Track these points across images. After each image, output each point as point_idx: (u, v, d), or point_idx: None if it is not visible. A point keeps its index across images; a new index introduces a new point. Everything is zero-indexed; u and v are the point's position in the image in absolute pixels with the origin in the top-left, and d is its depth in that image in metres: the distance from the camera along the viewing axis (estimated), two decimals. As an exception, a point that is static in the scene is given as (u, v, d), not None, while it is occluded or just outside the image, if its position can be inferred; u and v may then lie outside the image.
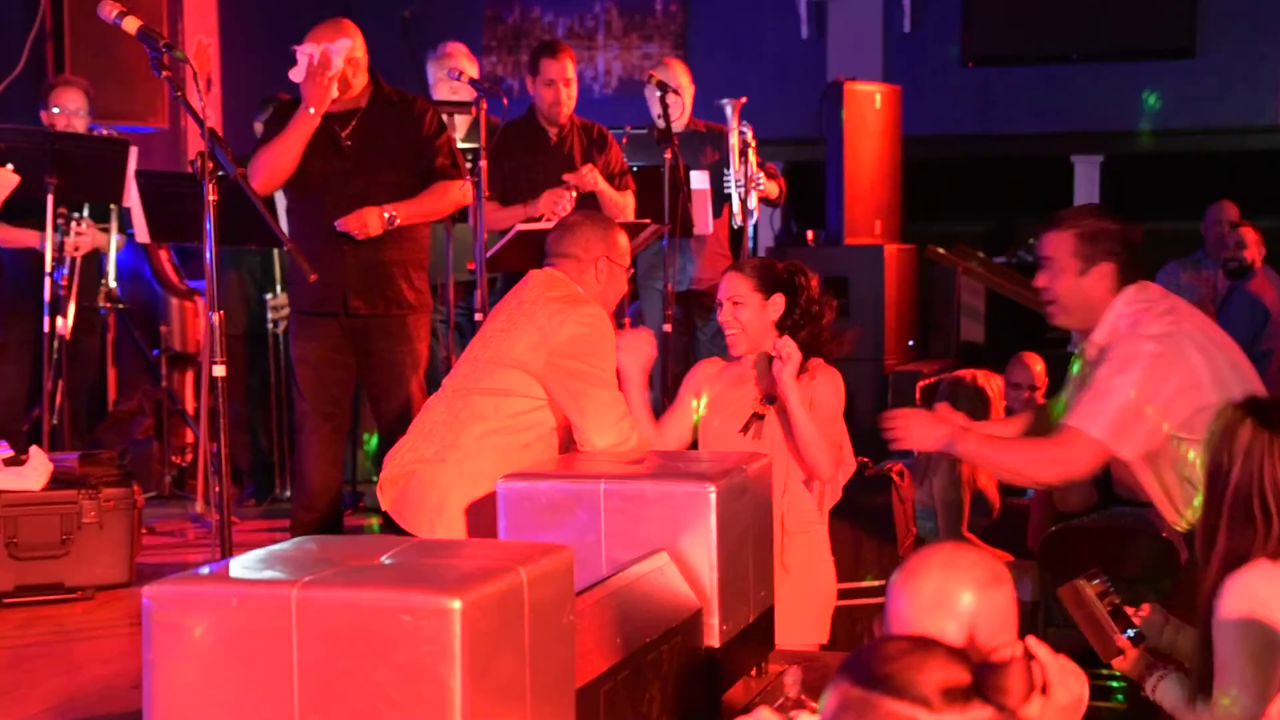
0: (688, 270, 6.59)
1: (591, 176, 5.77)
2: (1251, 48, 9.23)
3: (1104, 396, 3.59)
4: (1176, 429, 3.59)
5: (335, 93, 5.01)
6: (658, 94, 5.96)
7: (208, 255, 3.76)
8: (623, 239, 4.05)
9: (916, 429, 3.75)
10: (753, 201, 6.40)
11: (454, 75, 5.64)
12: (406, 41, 9.73)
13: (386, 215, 5.10)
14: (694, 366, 4.29)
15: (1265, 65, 9.21)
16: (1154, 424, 3.58)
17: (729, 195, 6.53)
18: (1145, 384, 3.57)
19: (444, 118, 5.43)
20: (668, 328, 5.97)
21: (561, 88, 5.90)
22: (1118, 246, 3.74)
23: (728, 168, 6.51)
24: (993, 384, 5.52)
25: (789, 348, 3.87)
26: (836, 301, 4.20)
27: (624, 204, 5.89)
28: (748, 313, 4.01)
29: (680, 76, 6.66)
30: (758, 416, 3.96)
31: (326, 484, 5.22)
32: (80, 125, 6.17)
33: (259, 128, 6.27)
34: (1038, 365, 6.45)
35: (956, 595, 2.01)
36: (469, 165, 5.55)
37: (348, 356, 5.22)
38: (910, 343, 8.11)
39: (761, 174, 6.44)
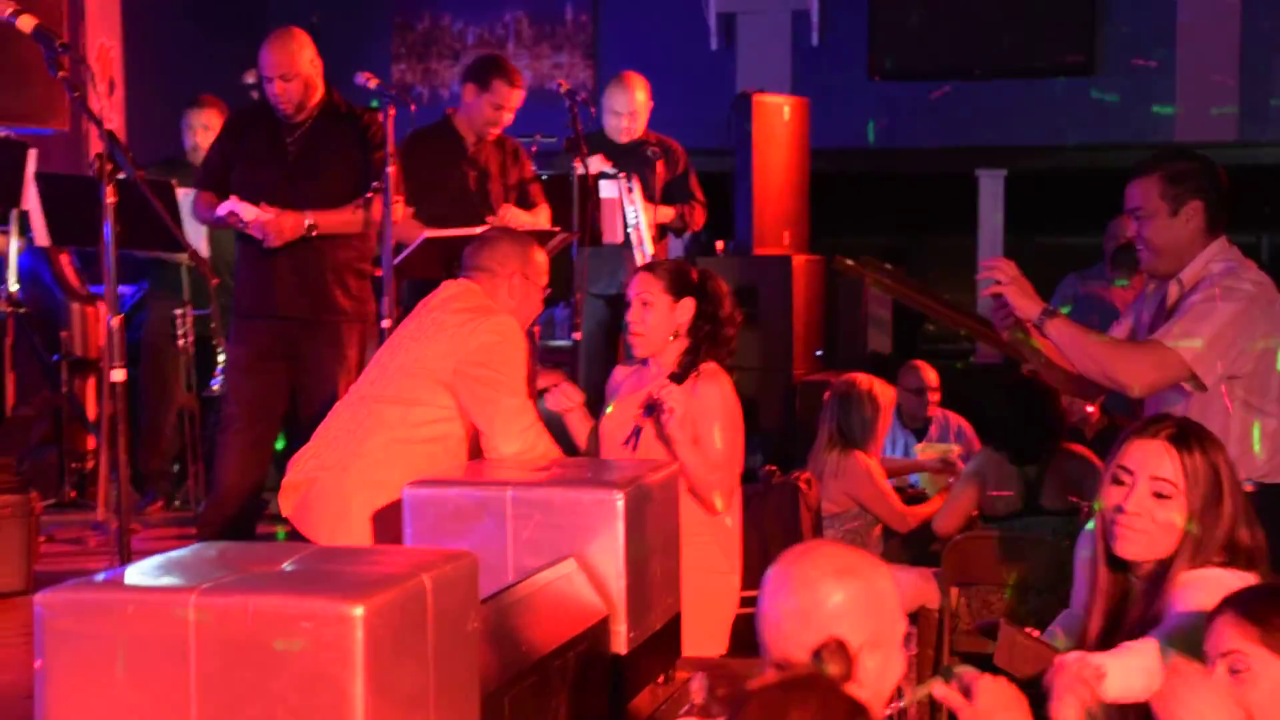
0: (618, 275, 6.58)
1: (511, 215, 5.75)
2: (1149, 66, 9.41)
3: (1202, 320, 3.62)
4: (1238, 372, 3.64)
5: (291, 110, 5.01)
6: (566, 104, 5.96)
7: (106, 259, 3.70)
8: (540, 257, 4.05)
9: (1019, 290, 3.72)
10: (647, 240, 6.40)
11: (361, 81, 5.59)
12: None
13: (307, 223, 5.07)
14: (612, 372, 4.29)
15: (1163, 82, 9.38)
16: (1234, 359, 3.64)
17: (673, 228, 6.62)
18: (1241, 318, 3.63)
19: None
20: (576, 335, 5.97)
21: (505, 114, 5.89)
22: (1204, 183, 3.78)
23: (685, 181, 6.58)
24: (886, 393, 5.57)
25: (674, 398, 3.82)
26: (743, 315, 4.21)
27: (540, 223, 5.90)
28: (655, 315, 4.00)
29: (638, 92, 6.65)
30: (637, 430, 3.95)
31: (240, 487, 5.14)
32: None
33: (196, 138, 6.19)
34: (931, 372, 6.54)
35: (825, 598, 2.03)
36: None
37: (278, 361, 5.16)
38: (818, 352, 8.16)
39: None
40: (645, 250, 6.28)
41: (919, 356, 7.27)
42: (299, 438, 5.13)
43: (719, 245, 8.30)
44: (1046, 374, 4.04)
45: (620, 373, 4.22)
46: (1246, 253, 3.87)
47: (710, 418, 3.97)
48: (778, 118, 8.18)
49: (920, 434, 6.51)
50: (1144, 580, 2.83)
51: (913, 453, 6.26)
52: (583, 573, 2.93)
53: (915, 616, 5.03)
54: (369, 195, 5.21)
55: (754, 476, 6.34)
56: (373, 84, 5.43)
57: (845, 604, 2.03)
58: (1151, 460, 2.78)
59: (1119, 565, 2.85)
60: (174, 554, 2.24)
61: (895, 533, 5.56)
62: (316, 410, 5.09)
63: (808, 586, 2.04)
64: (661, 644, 3.19)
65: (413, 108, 6.39)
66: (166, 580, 2.04)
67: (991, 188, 9.97)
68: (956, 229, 10.21)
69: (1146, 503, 2.77)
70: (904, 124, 9.76)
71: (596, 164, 6.33)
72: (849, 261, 8.98)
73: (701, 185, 7.04)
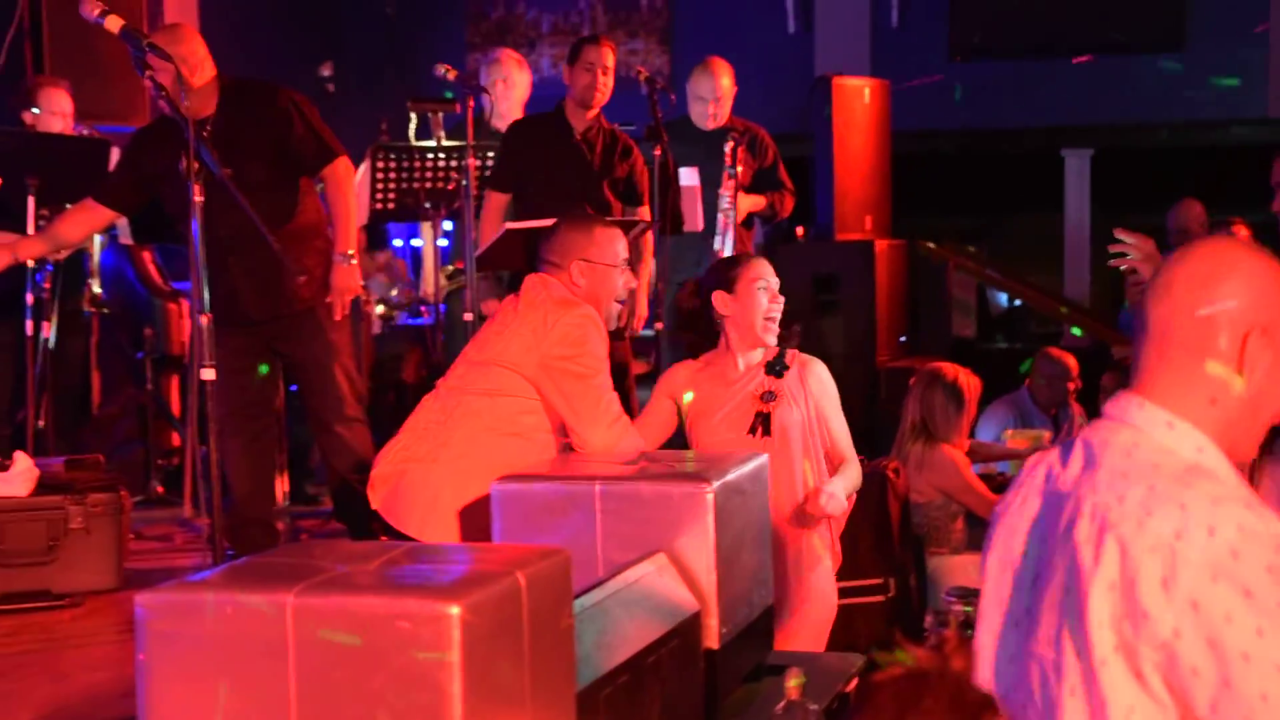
0: (701, 264, 6.55)
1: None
2: (1239, 40, 9.22)
3: None
4: None
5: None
6: (644, 90, 5.92)
7: (194, 256, 3.71)
8: (604, 236, 3.99)
9: (1154, 267, 3.65)
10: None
11: (439, 73, 5.58)
12: (389, 38, 9.70)
13: (345, 256, 5.04)
14: (667, 371, 4.27)
15: (1253, 57, 9.20)
16: None
17: (770, 201, 6.58)
18: None
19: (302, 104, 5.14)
20: (659, 325, 5.93)
21: (599, 74, 5.86)
22: None
23: (774, 169, 6.55)
24: (971, 383, 5.49)
25: (834, 505, 3.94)
26: (824, 301, 4.26)
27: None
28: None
29: (723, 78, 6.61)
30: (762, 416, 3.96)
31: (250, 486, 5.13)
32: (65, 126, 6.10)
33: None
34: (1069, 358, 6.47)
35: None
36: (453, 163, 5.50)
37: (261, 359, 5.13)
38: (901, 338, 8.08)
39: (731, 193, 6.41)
40: (728, 239, 6.24)
41: (1002, 340, 7.18)
42: (319, 427, 5.19)
43: (799, 231, 8.24)
44: None
45: (683, 370, 4.19)
46: None
47: (833, 399, 4.10)
48: (858, 101, 8.10)
49: (1056, 422, 6.45)
50: None
51: (1004, 439, 6.18)
52: (673, 567, 2.90)
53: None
54: (327, 171, 5.08)
55: (839, 465, 6.29)
56: (451, 76, 5.41)
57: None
58: None
59: None
60: (268, 553, 2.24)
61: (980, 521, 5.49)
62: (322, 399, 5.10)
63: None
64: (753, 637, 3.16)
65: (488, 97, 6.39)
66: (264, 580, 2.03)
67: (1077, 167, 9.82)
68: (1041, 209, 10.09)
69: None
70: (986, 104, 9.64)
71: (688, 176, 6.29)
72: (933, 245, 8.90)
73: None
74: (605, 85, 5.87)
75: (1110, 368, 5.71)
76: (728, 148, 6.28)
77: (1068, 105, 9.55)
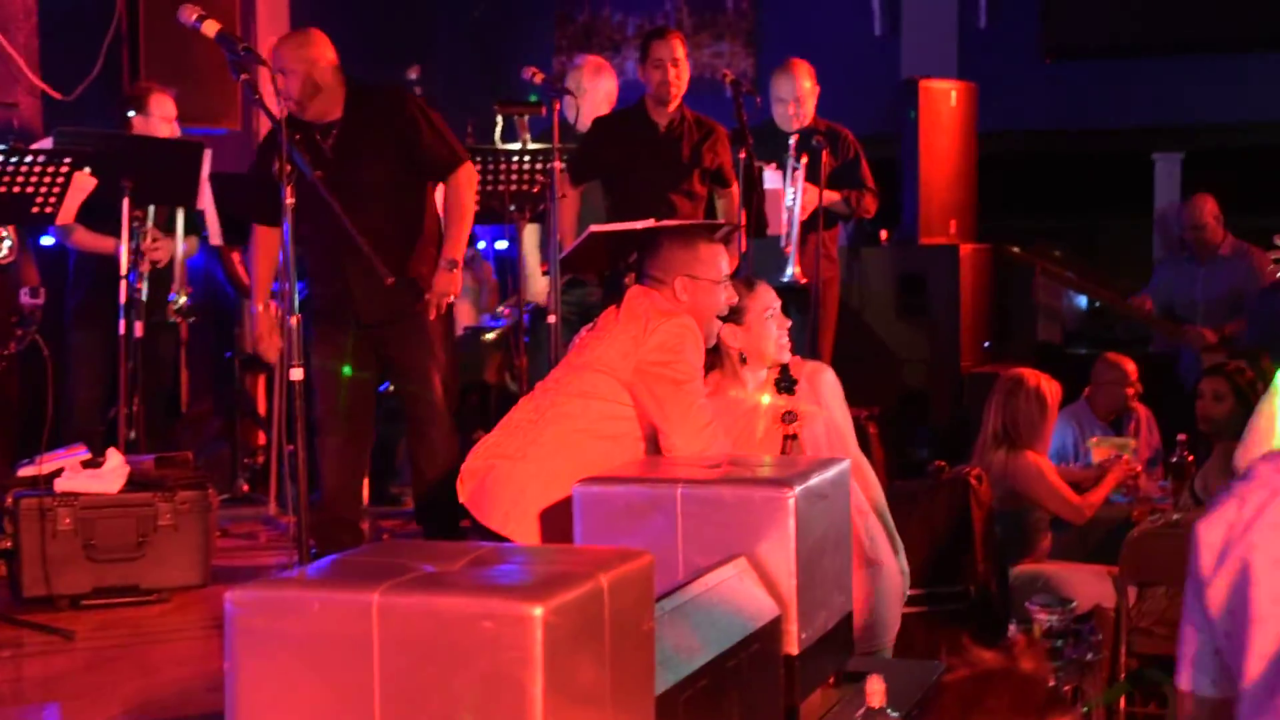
0: (785, 267, 6.55)
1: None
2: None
3: None
4: None
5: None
6: (729, 93, 5.93)
7: (283, 258, 3.76)
8: (709, 252, 4.01)
9: None
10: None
11: (527, 76, 5.62)
12: (476, 41, 9.77)
13: (451, 262, 5.13)
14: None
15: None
16: None
17: (841, 215, 6.58)
18: None
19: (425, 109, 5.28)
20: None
21: (669, 67, 5.91)
22: None
23: (855, 168, 6.54)
24: (1053, 390, 5.43)
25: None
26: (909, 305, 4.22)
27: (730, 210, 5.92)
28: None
29: (804, 79, 6.60)
30: (790, 438, 3.95)
31: (340, 486, 5.20)
32: (172, 131, 6.21)
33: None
34: (1129, 364, 6.36)
35: None
36: (539, 166, 5.53)
37: (364, 362, 5.21)
38: (986, 344, 8.01)
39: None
40: (792, 237, 6.23)
41: (1090, 346, 7.10)
42: (407, 431, 5.28)
43: (884, 234, 8.19)
44: None
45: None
46: None
47: (844, 403, 4.12)
48: (945, 104, 8.04)
49: (1117, 427, 6.35)
50: None
51: (1088, 447, 6.09)
52: (753, 571, 2.90)
53: (1091, 617, 4.91)
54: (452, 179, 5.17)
55: (920, 470, 6.26)
56: (538, 79, 5.45)
57: None
58: None
59: None
60: (354, 552, 2.27)
61: (1065, 527, 5.43)
62: (420, 403, 5.18)
63: None
64: (833, 643, 3.15)
65: (573, 100, 6.42)
66: (350, 579, 2.06)
67: (1167, 170, 9.68)
68: (1130, 211, 9.95)
69: None
70: (1076, 105, 9.52)
71: (771, 179, 6.29)
72: (1018, 250, 8.81)
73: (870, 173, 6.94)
74: (678, 78, 5.92)
75: (1210, 373, 5.61)
76: (792, 142, 6.28)
77: (1159, 106, 9.41)
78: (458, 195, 5.19)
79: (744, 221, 5.67)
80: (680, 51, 5.96)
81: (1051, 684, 1.64)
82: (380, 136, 5.10)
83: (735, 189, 5.95)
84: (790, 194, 6.28)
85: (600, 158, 5.94)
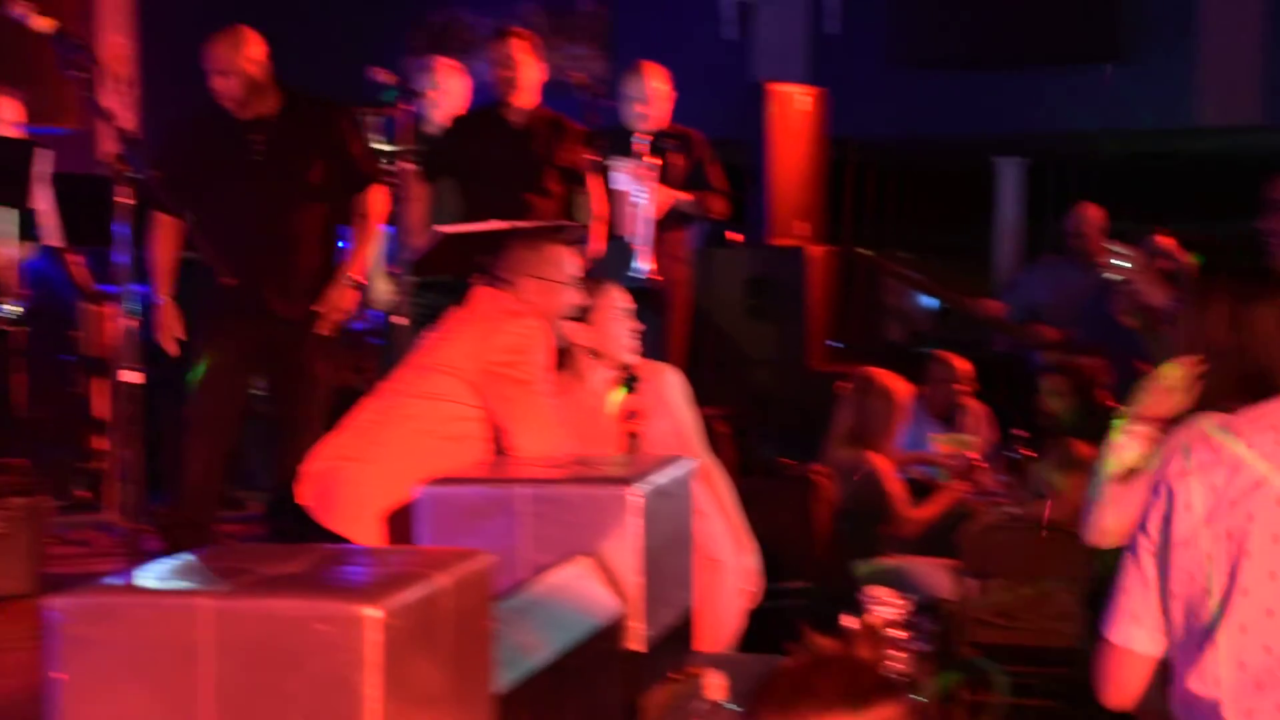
0: (637, 266, 6.57)
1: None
2: (1171, 51, 9.35)
3: None
4: None
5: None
6: (580, 96, 5.96)
7: (118, 259, 3.70)
8: (554, 253, 4.02)
9: (1149, 278, 3.75)
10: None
11: (376, 78, 5.58)
12: (327, 40, 9.65)
13: (354, 280, 5.17)
14: None
15: (1184, 68, 9.32)
16: None
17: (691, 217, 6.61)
18: None
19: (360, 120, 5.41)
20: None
21: (509, 68, 5.93)
22: None
23: (705, 171, 6.57)
24: (903, 390, 5.54)
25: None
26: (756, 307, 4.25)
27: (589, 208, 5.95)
28: None
29: (655, 81, 6.63)
30: (634, 437, 3.97)
31: (196, 490, 5.15)
32: (15, 135, 6.04)
33: None
34: (962, 363, 6.50)
35: None
36: (389, 167, 5.50)
37: (243, 364, 5.18)
38: (834, 344, 8.13)
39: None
40: (643, 236, 6.27)
41: (935, 346, 7.24)
42: (280, 434, 5.19)
43: (734, 236, 8.27)
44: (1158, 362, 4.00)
45: None
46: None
47: (688, 403, 4.13)
48: (794, 108, 8.14)
49: (950, 424, 6.47)
50: None
51: (929, 443, 6.22)
52: (598, 570, 2.92)
53: (931, 609, 5.01)
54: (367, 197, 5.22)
55: (769, 470, 6.33)
56: (386, 80, 5.42)
57: None
58: None
59: None
60: (186, 557, 2.24)
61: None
62: (303, 407, 5.12)
63: None
64: (676, 640, 3.19)
65: (424, 102, 6.40)
66: (180, 584, 2.03)
67: (1010, 175, 9.92)
68: (975, 217, 10.18)
69: None
70: (923, 112, 9.71)
71: (621, 181, 6.31)
72: (864, 251, 8.97)
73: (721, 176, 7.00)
74: (519, 78, 5.94)
75: (1049, 371, 5.76)
76: (641, 143, 6.32)
77: (1002, 114, 9.64)
78: (369, 216, 5.26)
79: (603, 221, 5.71)
80: (518, 51, 5.98)
81: (881, 671, 1.69)
82: (312, 142, 5.16)
83: (594, 187, 5.96)
84: (640, 195, 6.31)
85: (455, 155, 5.94)
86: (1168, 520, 2.12)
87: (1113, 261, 3.76)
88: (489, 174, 5.86)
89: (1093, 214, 7.70)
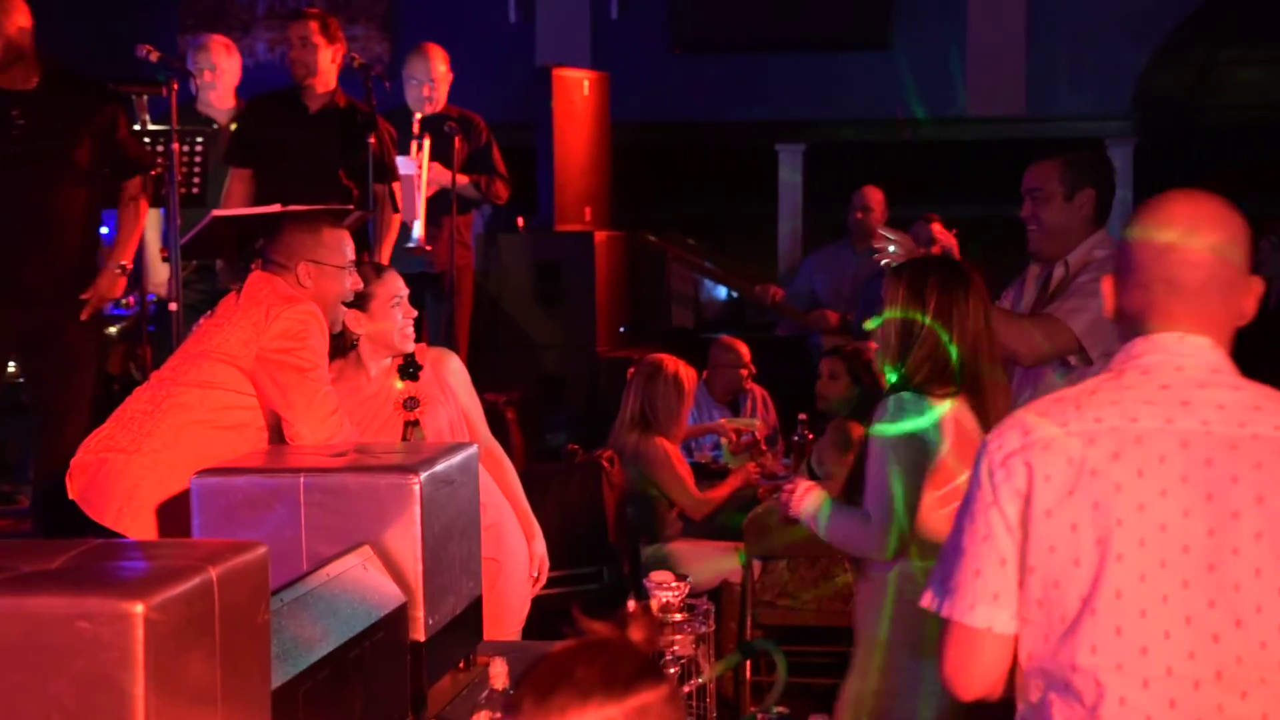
0: (411, 237, 6.50)
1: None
2: (941, 41, 9.63)
3: (1091, 297, 3.73)
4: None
5: None
6: (360, 78, 5.85)
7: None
8: (330, 237, 3.92)
9: None
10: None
11: (141, 54, 5.40)
12: (95, 14, 9.32)
13: (122, 268, 5.04)
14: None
15: (953, 56, 9.61)
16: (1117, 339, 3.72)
17: (472, 200, 6.55)
18: None
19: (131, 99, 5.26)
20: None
21: (299, 49, 5.81)
22: (1099, 175, 4.00)
23: (488, 154, 6.52)
24: (690, 376, 5.61)
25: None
26: (544, 292, 4.21)
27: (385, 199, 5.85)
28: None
29: (438, 63, 6.55)
30: (411, 424, 3.92)
31: None
32: None
33: None
34: (744, 347, 6.60)
35: None
36: (159, 148, 5.35)
37: (11, 349, 5.02)
38: (621, 329, 8.18)
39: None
40: (415, 209, 6.21)
41: (721, 331, 7.33)
42: (40, 422, 5.07)
43: (520, 221, 8.25)
44: None
45: None
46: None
47: (470, 390, 4.07)
48: (578, 92, 8.16)
49: (734, 408, 6.56)
50: None
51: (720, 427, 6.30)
52: (378, 559, 2.87)
53: (717, 593, 5.08)
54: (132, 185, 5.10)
55: (557, 455, 6.33)
56: (154, 57, 5.26)
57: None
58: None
59: None
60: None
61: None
62: (64, 394, 4.97)
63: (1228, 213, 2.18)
64: (462, 629, 3.15)
65: (194, 81, 6.23)
66: (-71, 584, 1.93)
67: (791, 160, 10.10)
68: (757, 201, 10.33)
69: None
70: (704, 97, 9.82)
71: (404, 164, 6.23)
72: (652, 237, 9.04)
73: (503, 160, 6.97)
74: (311, 61, 5.82)
75: (827, 355, 5.88)
76: (416, 122, 6.27)
77: (781, 100, 9.80)
78: (133, 203, 5.15)
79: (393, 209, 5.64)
80: (310, 33, 5.85)
81: (648, 655, 1.68)
82: (78, 120, 4.99)
83: (395, 187, 5.89)
84: (415, 171, 6.26)
85: (253, 140, 5.79)
86: (1024, 494, 2.11)
87: (885, 246, 3.87)
88: (288, 159, 5.73)
89: (875, 197, 7.89)
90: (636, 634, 1.66)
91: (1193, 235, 2.13)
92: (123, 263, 5.09)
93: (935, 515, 3.13)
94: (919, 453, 3.17)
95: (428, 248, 6.24)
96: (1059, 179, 3.95)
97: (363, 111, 5.88)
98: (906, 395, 3.21)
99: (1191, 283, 2.13)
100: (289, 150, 5.77)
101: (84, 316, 5.02)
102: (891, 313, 3.25)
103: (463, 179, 6.43)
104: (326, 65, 5.89)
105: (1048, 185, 3.96)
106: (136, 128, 5.34)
